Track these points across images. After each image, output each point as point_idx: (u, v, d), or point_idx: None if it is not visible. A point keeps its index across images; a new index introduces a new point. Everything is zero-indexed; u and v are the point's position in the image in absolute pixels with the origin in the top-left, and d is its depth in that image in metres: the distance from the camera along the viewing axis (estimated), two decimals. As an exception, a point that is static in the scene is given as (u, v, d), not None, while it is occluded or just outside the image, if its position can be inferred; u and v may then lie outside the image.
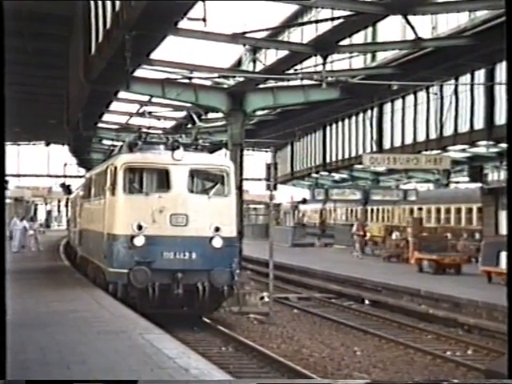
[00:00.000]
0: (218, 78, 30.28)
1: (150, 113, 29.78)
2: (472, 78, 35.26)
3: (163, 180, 15.92)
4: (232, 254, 16.05)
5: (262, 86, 29.84)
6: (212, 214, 15.83)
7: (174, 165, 15.89)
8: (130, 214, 15.69)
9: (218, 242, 15.62)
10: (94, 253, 18.37)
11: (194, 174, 16.15)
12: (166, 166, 15.93)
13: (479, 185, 37.75)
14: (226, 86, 29.89)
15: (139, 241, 15.30)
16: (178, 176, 15.84)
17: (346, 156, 53.29)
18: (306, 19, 35.18)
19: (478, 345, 15.09)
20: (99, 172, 18.95)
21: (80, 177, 54.21)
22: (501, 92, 31.95)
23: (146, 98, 33.87)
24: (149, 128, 20.68)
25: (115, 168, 16.16)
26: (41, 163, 68.61)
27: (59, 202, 71.76)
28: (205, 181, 16.47)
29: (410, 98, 42.58)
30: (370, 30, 32.70)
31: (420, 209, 40.58)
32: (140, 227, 15.35)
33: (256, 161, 51.29)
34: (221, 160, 18.12)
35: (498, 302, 16.91)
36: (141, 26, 18.97)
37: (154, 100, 33.90)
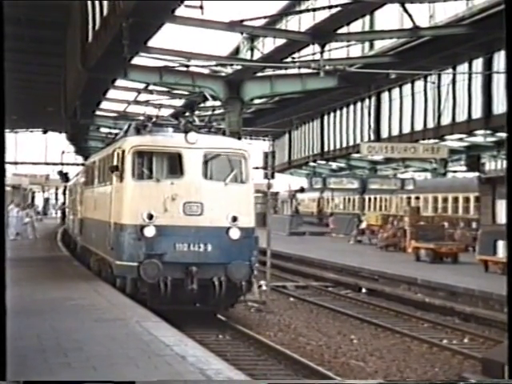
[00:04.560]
0: (216, 66, 30.24)
1: (147, 99, 29.57)
2: (470, 67, 35.22)
3: (176, 165, 14.57)
4: (250, 245, 14.74)
5: (259, 74, 29.81)
6: (229, 203, 14.55)
7: (187, 148, 14.54)
8: (139, 202, 14.40)
9: (235, 233, 14.35)
10: (99, 244, 17.03)
11: (208, 158, 14.74)
12: (178, 150, 14.56)
13: (476, 174, 37.78)
14: (223, 74, 29.87)
15: (150, 231, 14.05)
16: (192, 161, 14.50)
17: (344, 145, 53.29)
18: (303, 7, 35.06)
19: (475, 333, 15.11)
20: (104, 157, 17.35)
21: (77, 164, 54.21)
22: (498, 81, 31.92)
23: (143, 86, 33.82)
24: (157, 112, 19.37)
25: (123, 152, 14.81)
26: (38, 151, 68.59)
27: (57, 189, 71.72)
28: (221, 166, 14.95)
29: (407, 87, 42.55)
30: (367, 18, 32.64)
31: (417, 198, 40.62)
32: (150, 216, 14.10)
33: (254, 149, 51.22)
34: (238, 143, 16.27)
35: (494, 290, 16.96)
36: (138, 14, 18.93)
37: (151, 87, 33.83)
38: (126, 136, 16.01)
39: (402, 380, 10.97)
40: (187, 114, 37.22)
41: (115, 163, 15.11)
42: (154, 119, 16.47)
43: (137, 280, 14.03)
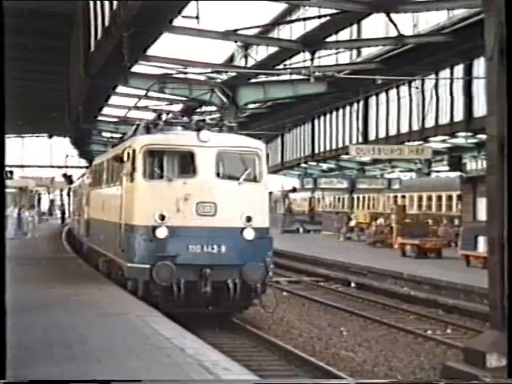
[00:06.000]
0: (212, 73, 30.23)
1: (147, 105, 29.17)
2: (451, 73, 35.30)
3: (188, 164, 13.52)
4: (265, 246, 13.66)
5: (253, 80, 29.82)
6: (243, 202, 13.51)
7: (199, 147, 13.46)
8: (151, 203, 13.35)
9: (249, 234, 13.32)
10: (108, 245, 16.01)
11: (222, 157, 13.68)
12: (190, 149, 13.50)
13: (458, 173, 37.87)
14: (219, 81, 29.84)
15: (162, 232, 13.02)
16: (205, 159, 13.42)
17: (334, 147, 53.31)
18: (294, 17, 35.15)
19: (457, 324, 15.16)
20: (113, 157, 15.95)
21: (81, 167, 54.15)
22: (478, 86, 31.98)
23: (142, 92, 33.76)
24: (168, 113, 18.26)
25: (133, 151, 13.73)
26: (44, 154, 68.50)
27: (61, 191, 71.55)
28: (234, 165, 13.93)
29: (393, 92, 42.60)
30: (355, 27, 32.72)
31: (403, 196, 40.69)
32: (163, 217, 13.07)
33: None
34: (251, 141, 14.78)
35: (475, 283, 17.00)
36: (137, 24, 18.93)
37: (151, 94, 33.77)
38: (136, 135, 15.09)
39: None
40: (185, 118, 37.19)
41: (125, 163, 14.15)
42: (165, 117, 15.54)
43: (149, 283, 13.06)
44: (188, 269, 12.96)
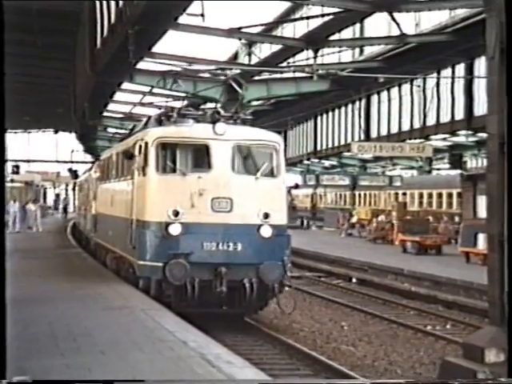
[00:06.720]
0: (216, 70, 30.23)
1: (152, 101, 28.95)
2: (453, 72, 35.24)
3: (203, 158, 12.83)
4: (283, 244, 12.96)
5: (256, 78, 29.82)
6: (260, 198, 12.81)
7: (215, 140, 12.77)
8: (164, 198, 12.65)
9: (267, 231, 12.64)
10: (117, 241, 15.29)
11: (238, 150, 13.02)
12: (205, 142, 12.80)
13: (459, 171, 37.79)
14: (223, 78, 29.83)
15: (175, 229, 12.34)
16: (221, 153, 12.74)
17: (336, 144, 53.27)
18: (298, 16, 35.13)
19: (457, 320, 15.18)
20: (124, 150, 15.14)
21: (86, 162, 54.18)
22: (479, 85, 31.93)
23: (147, 89, 33.76)
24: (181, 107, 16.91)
25: (146, 144, 13.04)
26: (49, 149, 68.53)
27: (67, 185, 71.63)
28: (251, 159, 13.28)
29: (395, 90, 42.54)
30: (357, 26, 32.72)
31: (404, 194, 40.65)
32: (176, 213, 12.40)
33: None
34: (269, 135, 13.99)
35: (475, 280, 17.02)
36: (143, 22, 18.92)
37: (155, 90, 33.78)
38: (147, 128, 14.34)
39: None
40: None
41: (137, 156, 13.42)
42: (178, 109, 14.77)
43: (162, 281, 12.38)
44: (202, 267, 12.32)
